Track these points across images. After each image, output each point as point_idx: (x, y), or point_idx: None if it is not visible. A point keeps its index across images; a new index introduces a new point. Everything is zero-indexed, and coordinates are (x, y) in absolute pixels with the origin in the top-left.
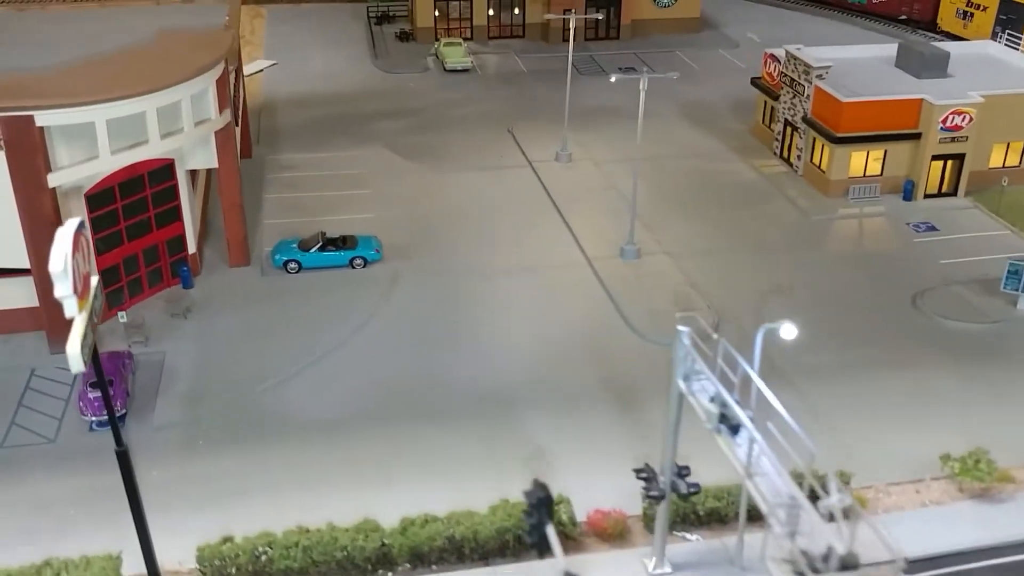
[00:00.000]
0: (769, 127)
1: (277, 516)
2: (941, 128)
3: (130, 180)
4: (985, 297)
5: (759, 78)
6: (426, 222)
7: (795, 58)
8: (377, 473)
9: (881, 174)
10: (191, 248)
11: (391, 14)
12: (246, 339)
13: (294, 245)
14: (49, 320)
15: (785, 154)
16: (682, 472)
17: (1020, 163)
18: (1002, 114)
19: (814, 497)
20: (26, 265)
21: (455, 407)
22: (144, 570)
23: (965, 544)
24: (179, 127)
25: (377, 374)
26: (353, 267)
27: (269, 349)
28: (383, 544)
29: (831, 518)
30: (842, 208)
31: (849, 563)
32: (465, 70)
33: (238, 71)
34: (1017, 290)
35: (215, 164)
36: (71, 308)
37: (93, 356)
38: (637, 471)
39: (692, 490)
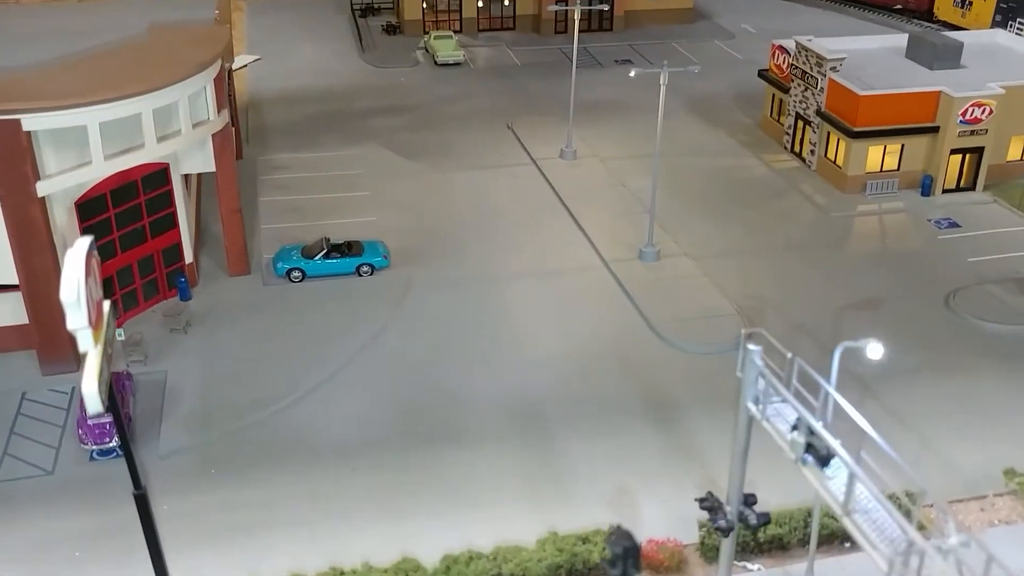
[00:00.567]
0: (778, 121)
1: (306, 554)
2: (960, 121)
3: (123, 187)
4: (1020, 297)
5: (766, 70)
6: (431, 225)
7: (806, 49)
8: (409, 502)
9: (898, 169)
10: (188, 257)
11: (376, 6)
12: (252, 354)
13: (297, 252)
14: (40, 338)
15: (797, 149)
16: (749, 501)
17: None
18: (1022, 106)
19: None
20: (14, 281)
21: (484, 426)
22: None
23: None
24: (176, 129)
25: (396, 391)
26: (360, 275)
27: (278, 365)
28: None
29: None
30: (860, 204)
31: None
32: (457, 64)
33: (230, 68)
34: None
35: (212, 168)
36: (86, 341)
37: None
38: (700, 500)
39: (762, 520)
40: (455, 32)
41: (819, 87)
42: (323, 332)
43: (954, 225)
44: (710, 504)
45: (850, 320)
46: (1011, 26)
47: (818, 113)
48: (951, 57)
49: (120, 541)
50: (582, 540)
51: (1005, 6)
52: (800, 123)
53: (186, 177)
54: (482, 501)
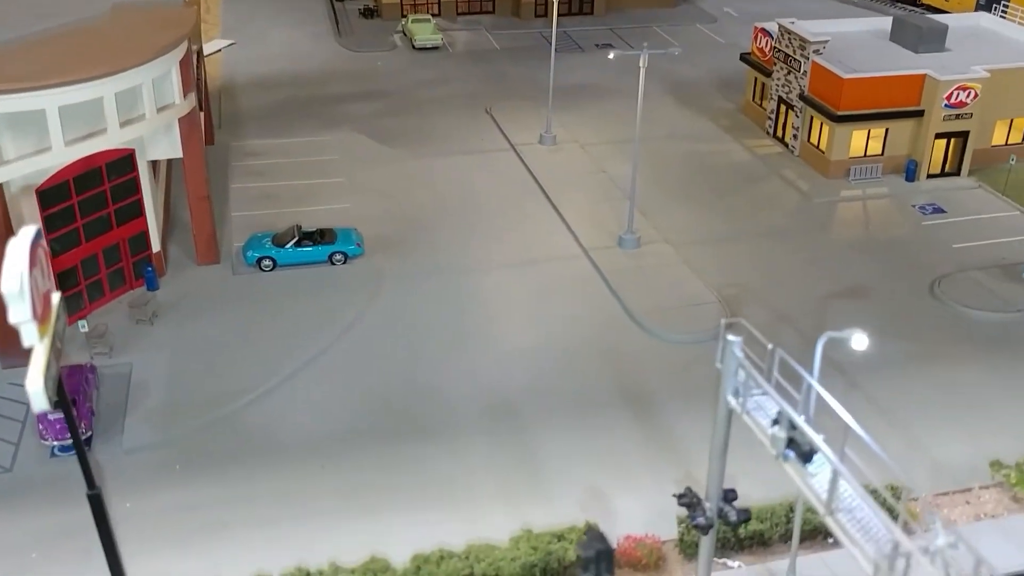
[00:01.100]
0: (760, 105)
1: (271, 554)
2: (945, 105)
3: (87, 173)
4: (1006, 284)
5: (748, 54)
6: (407, 212)
7: (789, 32)
8: (379, 500)
9: (882, 153)
10: (155, 246)
11: None
12: (220, 346)
13: (267, 240)
14: None
15: (779, 133)
16: (729, 497)
17: None
18: (1007, 90)
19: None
20: None
21: (457, 421)
22: None
23: None
24: (140, 114)
25: (368, 384)
26: (333, 263)
27: (247, 357)
28: None
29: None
30: (844, 190)
31: None
32: (435, 48)
33: (199, 51)
34: None
35: (179, 153)
36: (30, 335)
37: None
38: (678, 496)
39: (742, 517)
40: (433, 15)
41: (802, 70)
42: (294, 323)
43: (939, 211)
44: (688, 500)
45: (834, 308)
46: (996, 9)
47: (801, 97)
48: (936, 40)
49: (79, 542)
50: (557, 538)
51: None
52: (783, 107)
53: (154, 163)
54: (455, 498)
